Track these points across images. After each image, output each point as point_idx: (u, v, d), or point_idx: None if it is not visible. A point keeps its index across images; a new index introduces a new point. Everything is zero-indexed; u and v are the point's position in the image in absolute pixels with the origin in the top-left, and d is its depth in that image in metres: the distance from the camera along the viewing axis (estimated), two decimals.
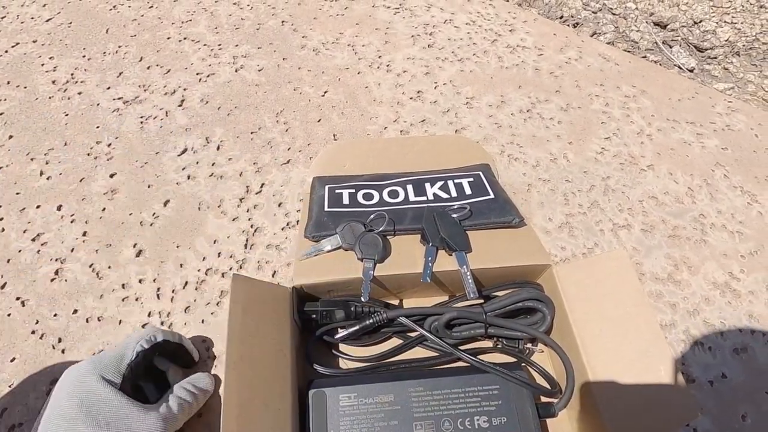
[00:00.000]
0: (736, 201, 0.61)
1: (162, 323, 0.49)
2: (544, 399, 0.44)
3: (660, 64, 0.85)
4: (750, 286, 0.54)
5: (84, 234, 0.55)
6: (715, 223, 0.59)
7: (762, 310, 0.52)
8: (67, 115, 0.66)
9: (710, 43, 0.90)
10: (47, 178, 0.59)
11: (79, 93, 0.68)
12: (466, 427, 0.39)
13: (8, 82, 0.69)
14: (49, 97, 0.67)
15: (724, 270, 0.55)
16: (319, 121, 0.67)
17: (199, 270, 0.52)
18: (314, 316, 0.45)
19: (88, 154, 0.62)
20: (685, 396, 0.36)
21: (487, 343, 0.47)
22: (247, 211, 0.57)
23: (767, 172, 0.65)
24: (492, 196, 0.51)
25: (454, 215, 0.48)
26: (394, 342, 0.47)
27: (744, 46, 0.91)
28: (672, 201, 0.61)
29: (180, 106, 0.67)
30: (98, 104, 0.67)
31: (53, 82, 0.69)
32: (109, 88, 0.69)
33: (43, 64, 0.72)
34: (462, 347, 0.46)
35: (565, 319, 0.43)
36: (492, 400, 0.40)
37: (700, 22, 0.91)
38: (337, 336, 0.45)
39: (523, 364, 0.45)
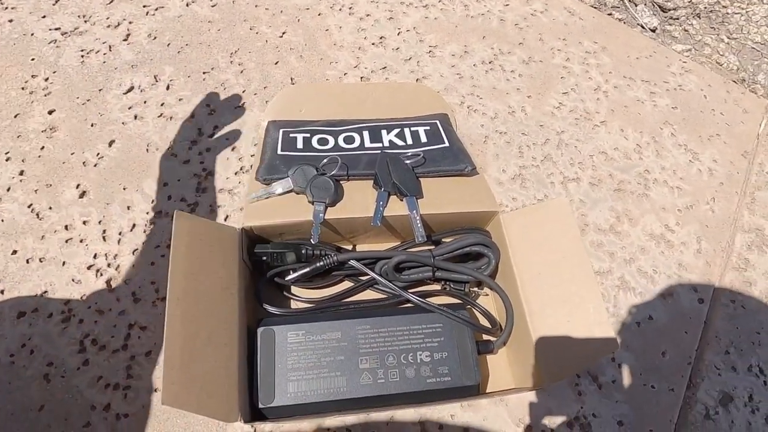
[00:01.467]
0: (680, 158, 0.64)
1: (109, 265, 0.48)
2: (486, 337, 0.46)
3: (624, 22, 0.85)
4: (683, 238, 0.58)
5: (21, 173, 0.52)
6: (658, 179, 0.62)
7: (690, 259, 0.56)
8: None
9: (674, 3, 0.91)
10: None
11: (10, 21, 0.62)
12: (408, 361, 0.41)
13: None
14: None
15: (661, 222, 0.58)
16: (276, 63, 0.64)
17: (147, 213, 0.51)
18: (265, 258, 0.45)
19: (23, 89, 0.57)
20: (608, 332, 0.39)
21: (435, 286, 0.49)
22: (199, 154, 0.55)
23: (711, 131, 0.68)
24: (447, 144, 0.51)
25: (408, 161, 0.48)
26: (346, 285, 0.48)
27: (705, 8, 0.92)
28: (620, 156, 0.63)
29: (125, 40, 0.63)
30: (32, 34, 0.62)
31: None
32: (44, 16, 0.63)
33: None
34: (411, 290, 0.47)
35: (508, 263, 0.45)
36: (435, 337, 0.43)
37: None
38: (288, 278, 0.45)
39: (468, 306, 0.47)
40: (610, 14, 0.86)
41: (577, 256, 0.42)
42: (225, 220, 0.52)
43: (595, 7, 0.84)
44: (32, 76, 0.58)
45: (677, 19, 0.90)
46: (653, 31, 0.87)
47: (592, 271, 0.41)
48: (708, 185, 0.63)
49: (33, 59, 0.60)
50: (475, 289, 0.49)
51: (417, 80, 0.65)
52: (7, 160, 0.52)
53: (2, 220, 0.49)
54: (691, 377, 0.49)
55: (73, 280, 0.47)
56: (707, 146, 0.66)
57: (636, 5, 0.90)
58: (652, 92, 0.70)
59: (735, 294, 0.55)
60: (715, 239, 0.58)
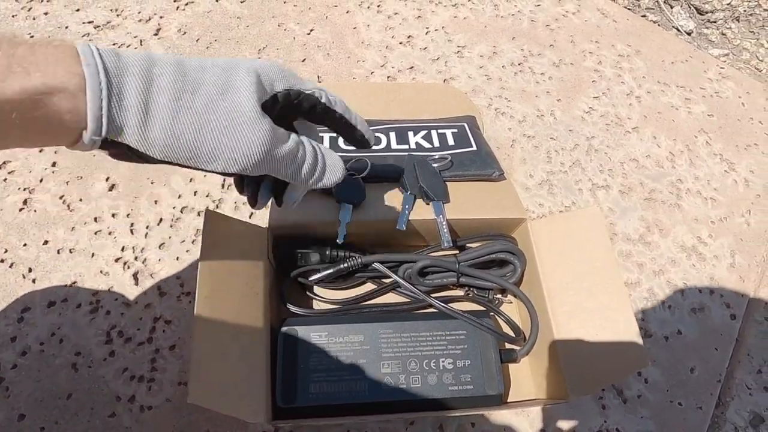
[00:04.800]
0: (714, 168, 0.62)
1: (136, 258, 0.48)
2: (508, 346, 0.46)
3: (659, 25, 0.82)
4: (715, 251, 0.56)
5: (53, 165, 0.53)
6: (691, 189, 0.60)
7: (723, 273, 0.54)
8: (32, 36, 0.61)
9: (712, 5, 0.88)
10: None
11: (45, 13, 0.63)
12: (431, 368, 0.41)
13: None
14: (12, 16, 0.62)
15: (693, 234, 0.57)
16: (303, 60, 0.64)
17: (174, 207, 0.52)
18: (289, 257, 0.45)
19: None
20: (638, 347, 0.38)
21: (459, 292, 0.48)
22: None
23: (748, 141, 0.65)
24: (474, 148, 0.50)
25: (435, 165, 0.47)
26: (368, 287, 0.48)
27: (745, 11, 0.89)
28: (652, 165, 0.61)
29: (156, 35, 0.63)
30: (66, 27, 0.63)
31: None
32: (78, 10, 0.64)
33: None
34: (434, 295, 0.47)
35: (535, 271, 0.44)
36: (458, 344, 0.42)
37: None
38: (312, 278, 0.45)
39: (491, 313, 0.46)
40: (644, 16, 0.83)
41: (607, 267, 0.41)
42: (249, 217, 0.52)
43: (629, 9, 0.81)
44: None
45: (714, 22, 0.87)
46: (689, 34, 0.84)
47: (623, 284, 0.40)
48: (744, 197, 0.60)
49: None
50: (499, 296, 0.49)
51: (444, 81, 0.64)
52: (40, 151, 0.53)
53: (35, 211, 0.50)
54: (720, 396, 0.48)
55: (101, 271, 0.47)
56: (744, 156, 0.64)
57: (671, 7, 0.87)
58: (687, 98, 0.68)
59: None
60: (750, 253, 0.56)
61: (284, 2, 0.69)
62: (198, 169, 0.24)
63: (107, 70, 0.20)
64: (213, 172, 0.25)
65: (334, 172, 0.30)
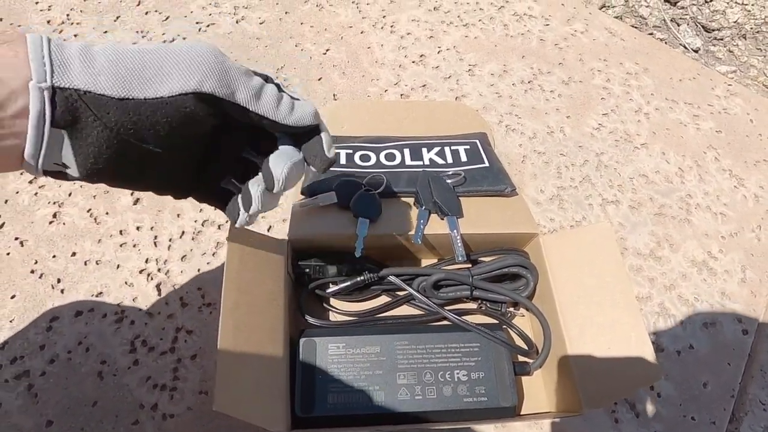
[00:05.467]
0: (724, 184, 0.63)
1: (159, 270, 0.50)
2: (521, 358, 0.46)
3: (666, 43, 0.84)
4: (726, 266, 0.56)
5: None
6: (701, 204, 0.61)
7: (734, 288, 0.55)
8: None
9: (718, 23, 0.89)
10: None
11: (75, 35, 0.67)
12: (446, 379, 0.41)
13: (1, 20, 0.67)
14: None
15: (703, 249, 0.57)
16: (319, 79, 0.66)
17: (195, 221, 0.53)
18: (308, 270, 0.46)
19: None
20: (651, 361, 0.39)
21: (472, 305, 0.49)
22: None
23: (757, 157, 0.66)
24: (487, 164, 0.52)
25: (449, 181, 0.49)
26: (383, 299, 0.49)
27: (752, 29, 0.90)
28: (662, 180, 0.62)
29: None
30: None
31: (48, 21, 0.68)
32: (106, 32, 0.67)
33: (37, 2, 0.69)
34: (447, 307, 0.48)
35: (547, 285, 0.45)
36: (472, 356, 0.43)
37: (711, 1, 0.89)
38: (329, 290, 0.46)
39: (504, 326, 0.47)
40: (651, 34, 0.85)
41: (619, 282, 0.42)
42: (268, 230, 0.54)
43: (636, 27, 0.83)
44: None
45: (721, 39, 0.89)
46: (696, 51, 0.86)
47: (634, 299, 0.41)
48: (754, 212, 0.61)
49: None
50: (511, 309, 0.50)
51: (456, 98, 0.66)
52: None
53: (64, 224, 0.52)
54: (734, 411, 0.48)
55: (126, 282, 0.49)
56: (753, 172, 0.65)
57: (678, 25, 0.89)
58: (695, 115, 0.69)
59: None
60: (761, 268, 0.57)
61: (301, 23, 0.71)
62: (156, 106, 0.22)
63: (49, 37, 0.21)
64: (172, 99, 0.23)
65: (304, 107, 0.28)
